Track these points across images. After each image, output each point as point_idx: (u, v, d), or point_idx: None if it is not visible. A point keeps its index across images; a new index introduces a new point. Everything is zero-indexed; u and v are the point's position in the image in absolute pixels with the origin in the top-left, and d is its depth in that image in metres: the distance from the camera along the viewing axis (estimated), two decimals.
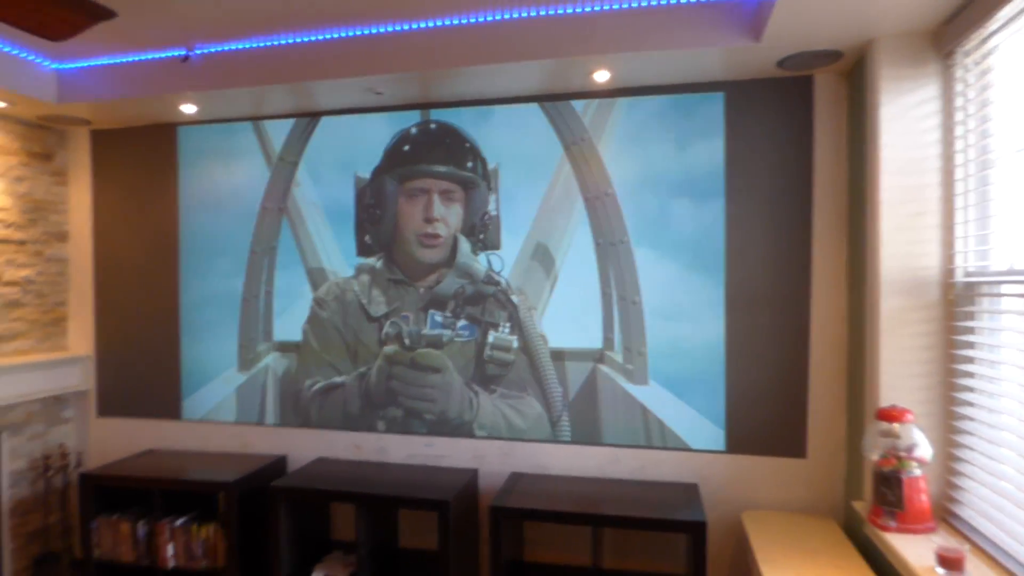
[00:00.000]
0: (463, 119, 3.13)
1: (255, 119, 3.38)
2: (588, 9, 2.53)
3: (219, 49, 2.92)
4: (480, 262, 3.12)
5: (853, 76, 2.63)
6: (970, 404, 2.14)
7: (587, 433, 3.01)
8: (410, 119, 3.19)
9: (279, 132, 3.36)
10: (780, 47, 2.44)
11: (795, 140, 2.77)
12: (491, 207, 3.11)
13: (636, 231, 2.94)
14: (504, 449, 3.12)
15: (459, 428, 3.16)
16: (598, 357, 2.99)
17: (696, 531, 2.47)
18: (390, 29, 2.74)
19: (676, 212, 2.90)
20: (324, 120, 3.30)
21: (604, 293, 2.99)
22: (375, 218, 3.24)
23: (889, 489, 2.18)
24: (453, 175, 3.14)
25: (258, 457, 3.33)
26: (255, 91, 2.97)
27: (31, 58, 3.00)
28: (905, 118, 2.32)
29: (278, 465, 3.31)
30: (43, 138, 3.52)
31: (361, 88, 2.94)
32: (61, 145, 3.62)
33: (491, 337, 3.10)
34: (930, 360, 2.31)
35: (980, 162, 2.12)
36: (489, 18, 2.63)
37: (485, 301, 3.11)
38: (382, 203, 3.23)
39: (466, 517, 2.93)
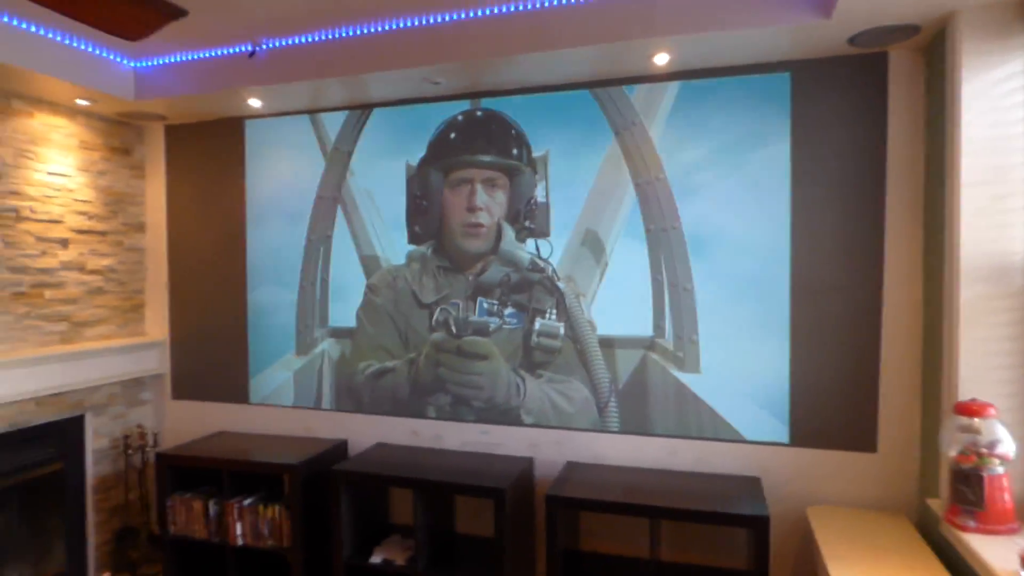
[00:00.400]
0: (513, 107, 3.13)
1: (314, 111, 3.47)
2: None
3: (282, 44, 3.01)
4: (526, 250, 3.12)
5: (931, 51, 2.49)
6: None
7: (636, 420, 2.97)
8: (460, 108, 3.21)
9: (334, 123, 3.44)
10: (852, 23, 2.33)
11: (867, 121, 2.64)
12: (539, 194, 3.10)
13: (689, 217, 2.88)
14: (559, 438, 3.11)
15: (506, 414, 3.17)
16: (648, 345, 2.95)
17: (759, 526, 2.41)
18: (446, 19, 2.76)
19: (735, 198, 2.81)
20: (377, 111, 3.35)
21: (655, 280, 2.93)
22: (422, 209, 3.28)
23: (968, 487, 2.07)
24: (495, 163, 3.15)
25: (321, 441, 3.43)
26: (315, 84, 3.04)
27: (111, 57, 3.16)
28: (989, 95, 2.19)
29: (340, 449, 3.40)
30: (122, 133, 3.71)
31: (417, 78, 2.97)
32: (139, 140, 3.81)
33: (537, 324, 3.10)
34: (1013, 352, 2.18)
35: None
36: (547, 3, 2.61)
37: (532, 288, 3.11)
38: (428, 194, 3.27)
39: (522, 505, 2.94)
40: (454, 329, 3.23)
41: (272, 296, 3.61)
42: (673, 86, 2.88)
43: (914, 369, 2.63)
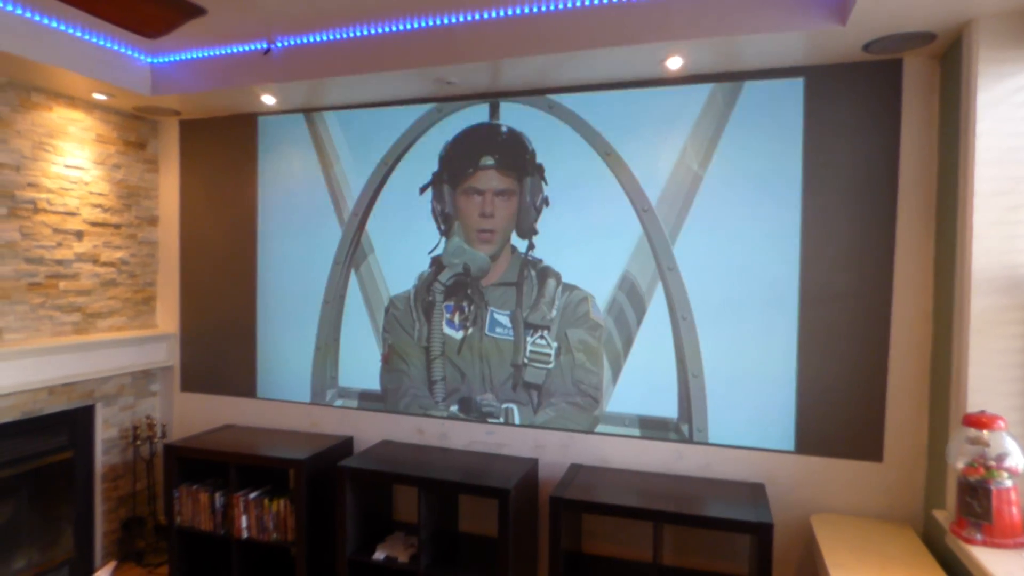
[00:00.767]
0: (524, 112, 3.14)
1: (327, 109, 3.49)
2: None
3: (297, 42, 3.03)
4: (533, 256, 3.14)
5: (947, 59, 2.47)
6: None
7: (641, 422, 2.97)
8: (475, 112, 3.22)
9: (347, 120, 3.46)
10: (867, 30, 2.31)
11: (880, 128, 2.63)
12: (543, 198, 3.12)
13: (698, 219, 2.87)
14: (564, 440, 3.11)
15: (512, 416, 3.18)
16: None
17: (762, 532, 2.40)
18: (460, 19, 2.77)
19: (745, 202, 2.80)
20: (396, 110, 3.37)
21: (658, 265, 2.94)
22: (441, 215, 3.31)
23: (976, 500, 2.06)
24: (505, 171, 3.18)
25: (327, 437, 3.45)
26: (328, 81, 3.06)
27: (128, 53, 3.19)
28: (1005, 104, 2.17)
29: (345, 445, 3.42)
30: (137, 128, 3.75)
31: (430, 78, 2.98)
32: (153, 134, 3.86)
33: (534, 336, 3.12)
34: None
35: None
36: (559, 6, 2.62)
37: (533, 297, 3.13)
38: (442, 199, 3.29)
39: (525, 506, 2.95)
40: (467, 332, 3.26)
41: (285, 292, 3.63)
42: (689, 89, 2.87)
43: (922, 379, 2.61)
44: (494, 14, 2.71)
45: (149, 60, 3.28)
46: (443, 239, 3.31)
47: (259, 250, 3.68)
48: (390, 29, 2.88)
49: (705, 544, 2.89)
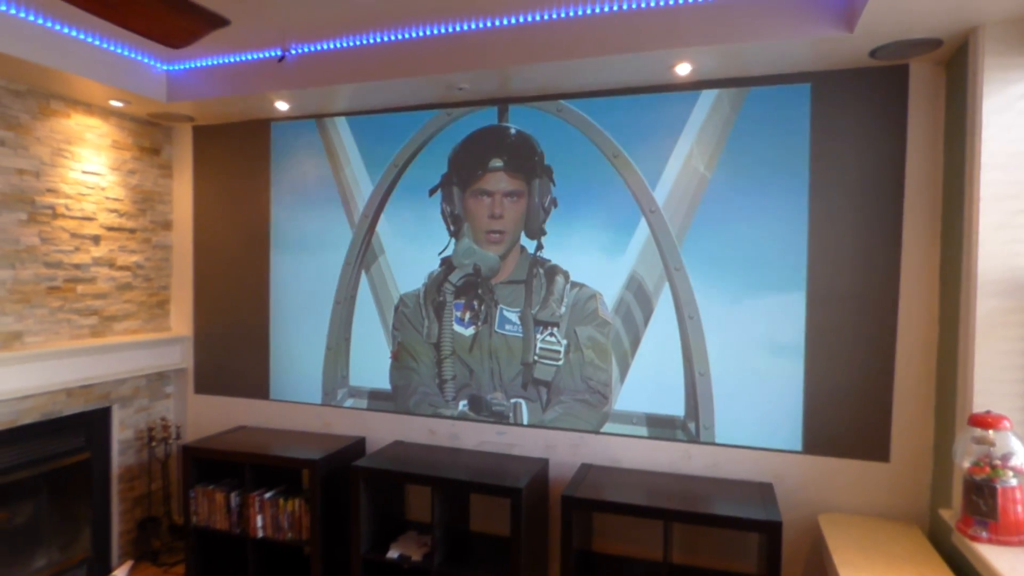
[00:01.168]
0: (533, 115, 3.18)
1: (340, 115, 3.54)
2: (671, 2, 2.52)
3: (311, 49, 3.08)
4: (541, 256, 3.19)
5: (953, 65, 2.51)
6: None
7: (648, 419, 3.02)
8: (488, 115, 3.27)
9: (360, 127, 3.51)
10: (874, 36, 2.35)
11: (886, 132, 2.67)
12: (551, 199, 3.17)
13: (700, 226, 2.92)
14: (574, 440, 3.16)
15: (521, 413, 3.23)
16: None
17: (771, 531, 2.44)
18: (472, 27, 2.81)
19: (752, 204, 2.85)
20: (406, 114, 3.42)
21: (668, 268, 2.98)
22: (450, 217, 3.35)
23: (981, 498, 2.10)
24: (513, 173, 3.22)
25: (339, 437, 3.50)
26: (342, 88, 3.11)
27: (144, 60, 3.25)
28: (1010, 110, 2.21)
29: (358, 446, 3.47)
30: (152, 134, 3.81)
31: (442, 84, 3.03)
32: (167, 140, 3.91)
33: (544, 334, 3.16)
34: None
35: None
36: (570, 13, 2.66)
37: (542, 295, 3.17)
38: (451, 201, 3.34)
39: (537, 505, 2.99)
40: (476, 331, 3.30)
41: (298, 294, 3.69)
42: (697, 95, 2.92)
43: (928, 380, 2.65)
44: (506, 21, 2.75)
45: (165, 67, 3.34)
46: (453, 240, 3.36)
47: (272, 252, 3.74)
48: (403, 36, 2.93)
49: (714, 543, 2.94)
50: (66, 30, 2.88)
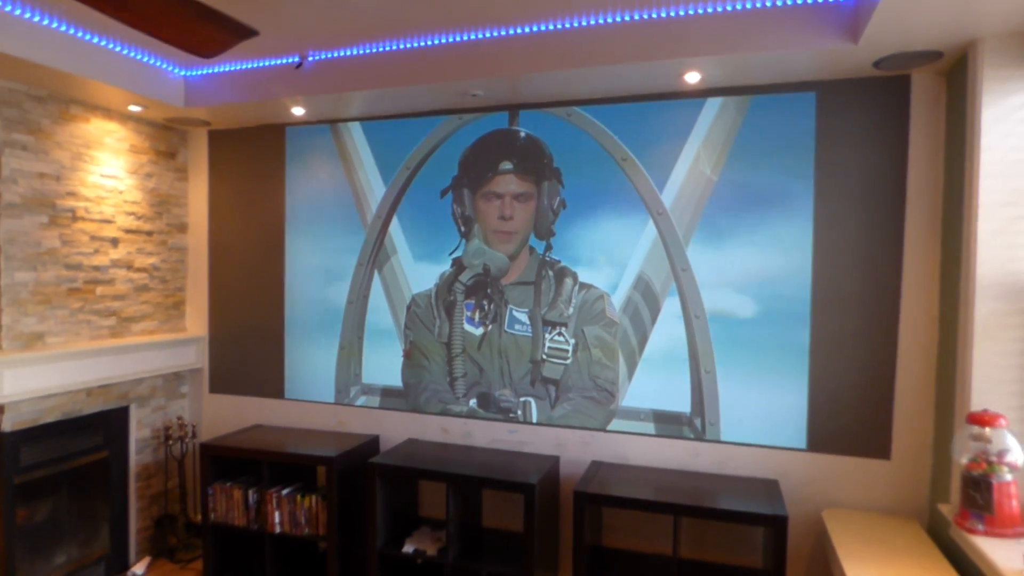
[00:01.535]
0: (542, 119, 3.26)
1: (354, 120, 3.62)
2: (681, 12, 2.60)
3: (328, 56, 3.15)
4: (550, 257, 3.28)
5: (953, 75, 2.60)
6: None
7: (655, 416, 3.11)
8: (499, 118, 3.35)
9: (375, 131, 3.59)
10: (878, 48, 2.44)
11: (889, 140, 2.76)
12: (560, 201, 3.26)
13: (707, 228, 3.00)
14: (584, 438, 3.25)
15: (530, 410, 3.33)
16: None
17: (778, 525, 2.53)
18: (487, 35, 2.89)
19: (758, 207, 2.93)
20: (419, 119, 3.50)
21: (675, 273, 3.07)
22: (461, 218, 3.43)
23: (978, 492, 2.19)
24: (523, 176, 3.31)
25: (354, 436, 3.58)
26: (358, 94, 3.18)
27: (162, 66, 3.31)
28: (1008, 120, 2.30)
29: (372, 444, 3.55)
30: (168, 138, 3.87)
31: (456, 91, 3.10)
32: (183, 144, 3.98)
33: (552, 333, 3.25)
34: None
35: None
36: (583, 23, 2.74)
37: (551, 296, 3.27)
38: (462, 202, 3.42)
39: (548, 501, 3.08)
40: (487, 329, 3.38)
41: (312, 296, 3.76)
42: (704, 103, 3.00)
43: (928, 380, 2.75)
44: (520, 31, 2.83)
45: (182, 73, 3.41)
46: (463, 241, 3.44)
47: (287, 254, 3.81)
48: (418, 45, 3.00)
49: (721, 538, 3.03)
50: (88, 36, 2.94)
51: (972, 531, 2.18)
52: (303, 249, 3.78)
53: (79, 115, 3.33)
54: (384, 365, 3.62)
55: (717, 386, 3.02)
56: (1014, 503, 2.15)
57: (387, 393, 3.62)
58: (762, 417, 2.96)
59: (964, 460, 2.23)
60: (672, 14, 2.61)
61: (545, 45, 2.81)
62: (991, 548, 2.06)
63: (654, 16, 2.64)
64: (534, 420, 3.33)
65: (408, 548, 3.13)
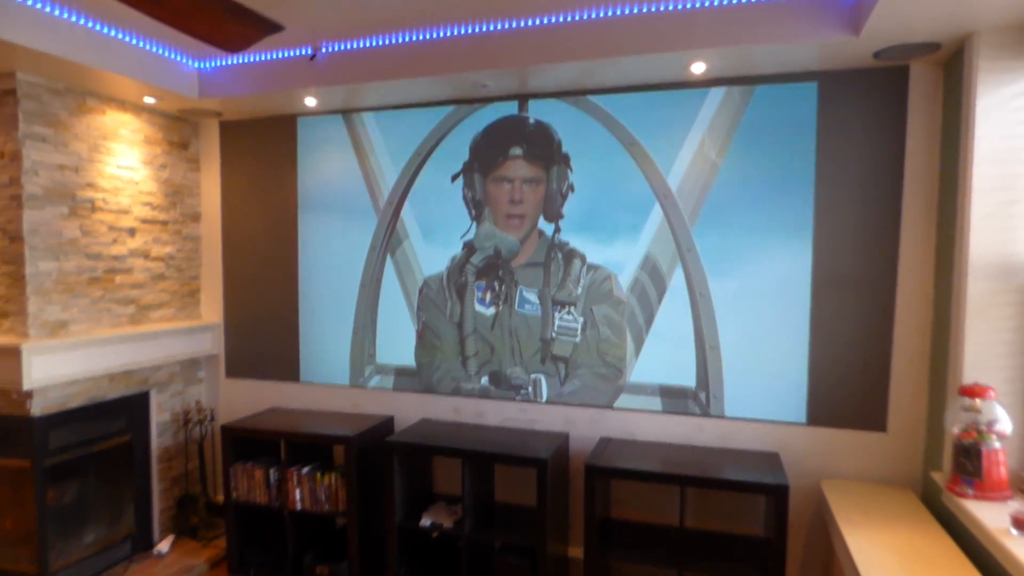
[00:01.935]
0: (551, 106, 3.35)
1: (366, 110, 3.68)
2: (688, 6, 2.68)
3: (341, 47, 3.21)
4: (560, 239, 3.38)
5: (950, 66, 2.70)
6: None
7: (662, 390, 3.24)
8: (509, 105, 3.43)
9: (386, 121, 3.66)
10: (878, 40, 2.54)
11: (888, 128, 2.87)
12: (569, 185, 3.36)
13: (711, 210, 3.11)
14: (593, 416, 3.38)
15: (540, 387, 3.46)
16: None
17: (779, 494, 2.68)
18: (496, 27, 2.96)
19: (761, 189, 3.04)
20: (430, 109, 3.57)
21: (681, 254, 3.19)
22: (472, 202, 3.53)
23: (968, 460, 2.34)
24: (533, 161, 3.41)
25: (369, 416, 3.70)
26: (370, 86, 3.25)
27: (176, 58, 3.37)
28: (1002, 109, 2.41)
29: (387, 424, 3.68)
30: (180, 129, 3.93)
31: (466, 82, 3.18)
32: (195, 135, 4.04)
33: (562, 312, 3.38)
34: (1014, 342, 2.43)
35: None
36: (592, 15, 2.82)
37: (560, 276, 3.38)
38: (473, 187, 3.52)
39: (559, 476, 3.22)
40: (498, 310, 3.50)
41: (325, 281, 3.86)
42: (709, 92, 3.10)
43: (923, 357, 2.89)
44: (530, 23, 2.90)
45: (196, 65, 3.46)
46: (474, 224, 3.54)
47: (300, 241, 3.90)
48: (430, 36, 3.07)
49: (725, 509, 3.18)
50: (104, 29, 2.99)
51: (962, 495, 2.33)
52: (316, 235, 3.86)
53: (95, 107, 3.38)
54: (398, 346, 3.73)
55: (721, 362, 3.16)
56: (1002, 469, 2.30)
57: (400, 373, 3.73)
58: (764, 392, 3.10)
59: (956, 430, 2.37)
60: (679, 7, 2.70)
61: (555, 37, 2.88)
62: (980, 510, 2.21)
63: (661, 9, 2.72)
64: (544, 396, 3.46)
65: (425, 522, 3.27)
